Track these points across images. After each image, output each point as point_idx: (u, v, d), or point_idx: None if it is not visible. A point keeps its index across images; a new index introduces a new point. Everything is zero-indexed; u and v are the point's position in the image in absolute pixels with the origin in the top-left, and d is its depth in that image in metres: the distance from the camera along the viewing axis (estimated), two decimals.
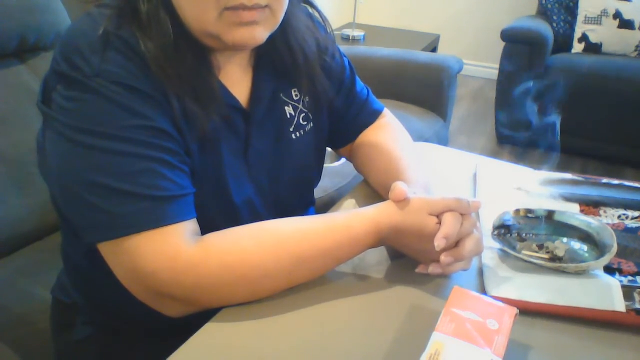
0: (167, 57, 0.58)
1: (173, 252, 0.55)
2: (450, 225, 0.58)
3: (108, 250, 0.57)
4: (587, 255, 0.66)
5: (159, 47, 0.58)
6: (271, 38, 0.63)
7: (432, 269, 0.60)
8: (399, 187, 0.62)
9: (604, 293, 0.60)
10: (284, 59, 0.71)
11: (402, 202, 0.62)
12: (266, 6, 0.59)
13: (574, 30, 2.71)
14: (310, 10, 0.77)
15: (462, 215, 0.60)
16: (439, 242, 0.57)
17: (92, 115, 0.55)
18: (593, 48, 2.65)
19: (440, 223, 0.59)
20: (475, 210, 0.61)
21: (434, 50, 3.08)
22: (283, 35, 0.69)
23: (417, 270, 0.62)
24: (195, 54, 0.62)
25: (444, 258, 0.58)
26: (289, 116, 0.74)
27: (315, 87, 0.75)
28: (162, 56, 0.58)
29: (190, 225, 0.58)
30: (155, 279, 0.55)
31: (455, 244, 0.60)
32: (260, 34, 0.61)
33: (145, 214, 0.54)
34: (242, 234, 0.60)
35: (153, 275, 0.55)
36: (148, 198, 0.55)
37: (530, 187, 0.82)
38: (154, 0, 0.59)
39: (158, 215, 0.55)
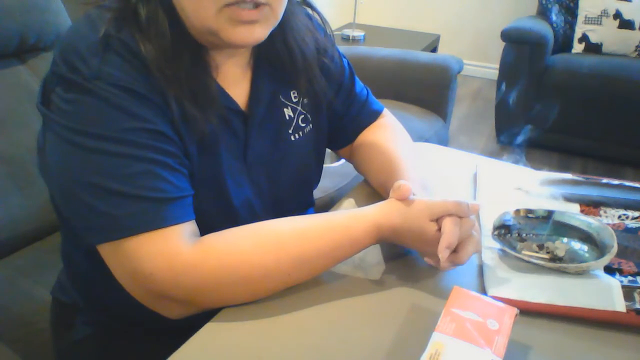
0: (165, 59, 0.58)
1: (172, 253, 0.55)
2: (450, 233, 0.58)
3: (107, 251, 0.57)
4: (587, 255, 0.66)
5: (158, 48, 0.58)
6: (270, 37, 0.63)
7: (428, 260, 0.62)
8: (404, 186, 0.62)
9: (604, 293, 0.60)
10: (282, 58, 0.71)
11: (403, 202, 0.62)
12: (265, 4, 0.59)
13: (574, 30, 2.71)
14: (310, 11, 0.77)
15: (460, 218, 0.60)
16: (443, 254, 0.57)
17: (91, 117, 0.55)
18: (593, 48, 2.65)
19: (439, 229, 0.59)
20: (474, 213, 0.61)
21: (434, 50, 3.08)
22: (282, 34, 0.69)
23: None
24: (193, 55, 0.61)
25: (443, 264, 0.59)
26: (287, 118, 0.74)
27: (313, 88, 0.75)
28: (161, 58, 0.58)
29: (189, 227, 0.58)
30: (154, 280, 0.55)
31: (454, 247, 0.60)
32: (260, 33, 0.60)
33: (144, 215, 0.54)
34: (241, 235, 0.60)
35: (152, 277, 0.55)
36: (147, 200, 0.55)
37: (530, 187, 0.82)
38: (153, 1, 0.59)
39: (157, 216, 0.55)
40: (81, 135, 0.55)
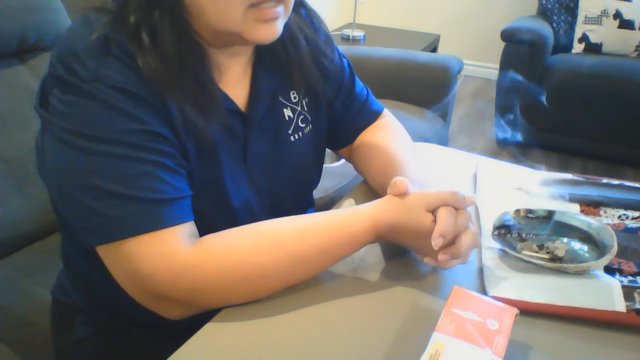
0: (162, 60, 0.58)
1: (171, 254, 0.55)
2: (445, 221, 0.58)
3: (106, 253, 0.57)
4: (587, 255, 0.66)
5: (159, 61, 0.58)
6: None
7: (428, 260, 0.61)
8: (400, 182, 0.62)
9: (604, 293, 0.60)
10: (277, 53, 0.71)
11: (400, 197, 0.62)
12: (282, 0, 0.60)
13: (574, 30, 2.71)
14: (308, 12, 0.77)
15: (456, 209, 0.60)
16: (435, 242, 0.57)
17: (89, 119, 0.55)
18: (593, 48, 2.65)
19: (435, 220, 0.59)
20: (470, 204, 0.61)
21: (434, 50, 3.08)
22: None
23: (416, 255, 0.64)
24: (192, 56, 0.61)
25: (441, 257, 0.58)
26: (287, 118, 0.74)
27: (311, 86, 0.75)
28: (157, 59, 0.58)
29: (188, 227, 0.58)
30: (154, 281, 0.55)
31: (452, 240, 0.60)
32: (279, 29, 0.61)
33: (142, 216, 0.54)
34: (239, 235, 0.60)
35: (151, 278, 0.55)
36: (145, 201, 0.55)
37: (530, 187, 0.82)
38: (161, 14, 0.59)
39: (155, 217, 0.55)
40: (79, 137, 0.55)
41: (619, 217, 0.75)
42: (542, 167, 0.85)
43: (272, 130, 0.72)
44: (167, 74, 0.58)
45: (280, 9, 0.60)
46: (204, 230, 0.60)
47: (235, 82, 0.68)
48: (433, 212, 0.60)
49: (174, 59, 0.59)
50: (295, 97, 0.75)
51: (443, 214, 0.58)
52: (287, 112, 0.74)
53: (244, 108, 0.69)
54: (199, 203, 0.61)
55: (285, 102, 0.74)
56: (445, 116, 1.87)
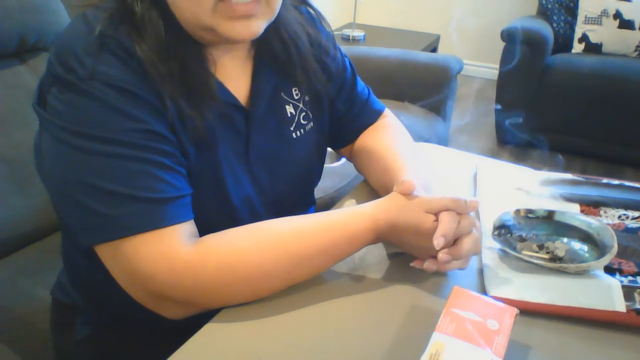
0: (159, 56, 0.58)
1: (171, 254, 0.55)
2: (447, 223, 0.58)
3: (105, 252, 0.57)
4: (587, 255, 0.66)
5: (152, 47, 0.58)
6: (264, 32, 0.63)
7: (428, 265, 0.61)
8: (408, 182, 0.62)
9: (604, 293, 0.60)
10: (277, 52, 0.71)
11: (402, 198, 0.62)
12: None
13: (574, 30, 2.71)
14: (311, 11, 0.78)
15: (459, 214, 0.60)
16: (437, 241, 0.57)
17: (86, 118, 0.55)
18: (593, 48, 2.65)
19: (437, 221, 0.59)
20: (473, 209, 0.61)
21: (434, 50, 3.08)
22: (274, 28, 0.69)
23: (412, 264, 0.63)
24: (189, 52, 0.61)
25: (441, 255, 0.58)
26: (289, 115, 0.74)
27: (311, 82, 0.75)
28: (155, 56, 0.58)
29: (188, 227, 0.58)
30: (154, 281, 0.55)
31: (453, 242, 0.60)
32: (257, 27, 0.60)
33: (141, 216, 0.54)
34: (240, 234, 0.60)
35: (151, 278, 0.54)
36: (144, 200, 0.54)
37: (530, 187, 0.82)
38: (147, 0, 0.59)
39: (155, 217, 0.55)
40: (76, 136, 0.54)
41: (619, 217, 0.75)
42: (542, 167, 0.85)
43: (274, 127, 0.72)
44: (160, 63, 0.58)
45: (255, 6, 0.58)
46: (204, 228, 0.60)
47: (235, 78, 0.68)
48: (435, 214, 0.60)
49: (165, 49, 0.59)
50: (297, 94, 0.75)
51: (446, 217, 0.58)
52: (289, 109, 0.74)
53: (245, 104, 0.69)
54: (199, 201, 0.61)
55: (287, 98, 0.74)
56: (445, 116, 1.87)
